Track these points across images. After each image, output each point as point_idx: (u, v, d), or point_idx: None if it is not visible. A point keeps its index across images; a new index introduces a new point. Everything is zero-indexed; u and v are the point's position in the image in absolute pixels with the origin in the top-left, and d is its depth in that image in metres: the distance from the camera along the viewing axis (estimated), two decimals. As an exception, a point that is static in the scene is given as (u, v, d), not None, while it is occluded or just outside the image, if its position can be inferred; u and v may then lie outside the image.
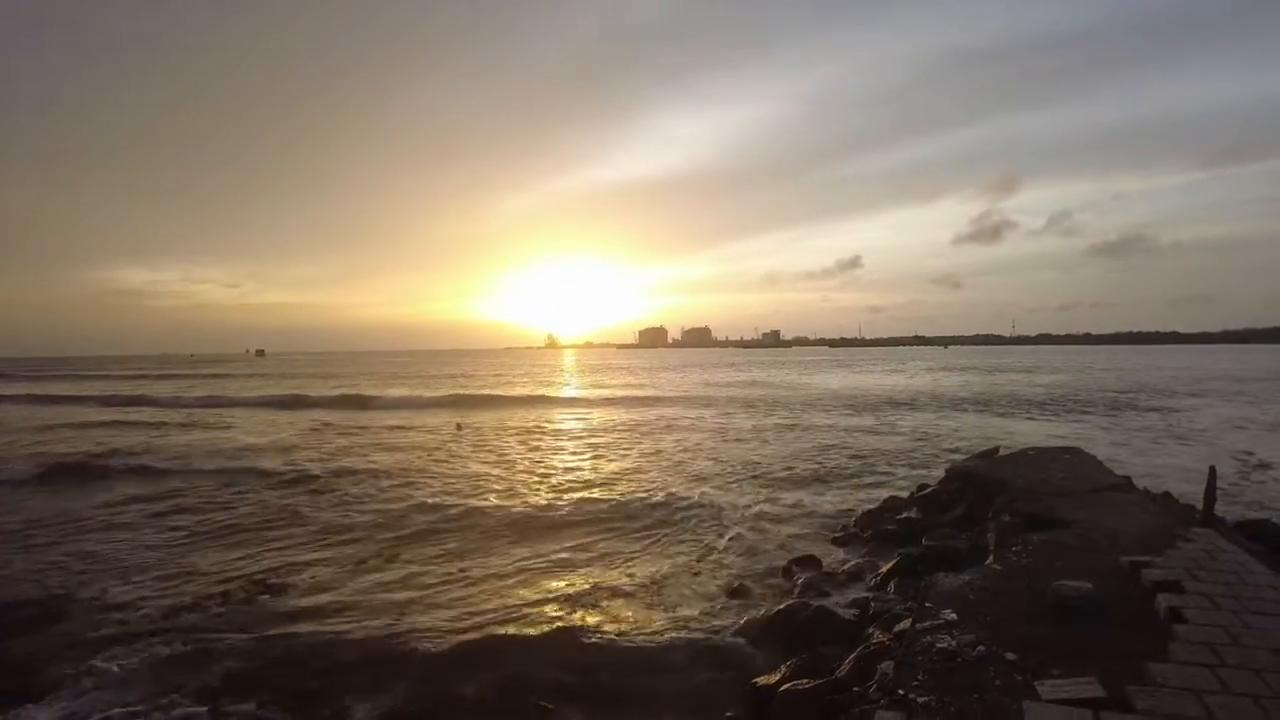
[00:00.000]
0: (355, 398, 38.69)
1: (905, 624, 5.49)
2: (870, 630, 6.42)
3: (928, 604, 5.43)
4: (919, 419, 27.33)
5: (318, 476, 16.20)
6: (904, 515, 11.42)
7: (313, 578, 9.29)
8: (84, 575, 9.46)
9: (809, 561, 9.58)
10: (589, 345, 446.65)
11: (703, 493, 14.05)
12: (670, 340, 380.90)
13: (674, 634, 7.32)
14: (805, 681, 5.43)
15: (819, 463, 17.69)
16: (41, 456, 19.02)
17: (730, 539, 10.89)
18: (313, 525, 12.05)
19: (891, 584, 8.12)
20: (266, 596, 8.62)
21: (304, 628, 7.57)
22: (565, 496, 13.78)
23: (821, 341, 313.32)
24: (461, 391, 41.78)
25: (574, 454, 19.17)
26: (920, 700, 3.88)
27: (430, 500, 13.45)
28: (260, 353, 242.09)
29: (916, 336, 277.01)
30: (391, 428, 26.05)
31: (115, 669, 6.55)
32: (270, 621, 7.75)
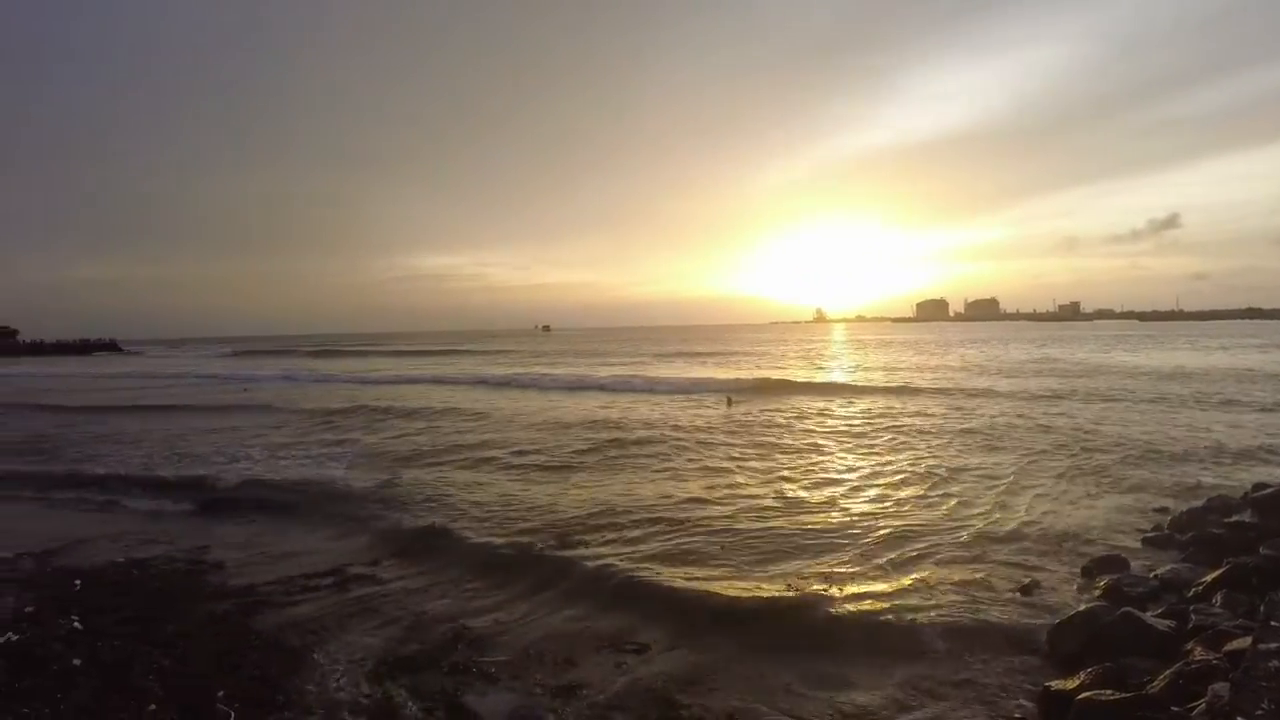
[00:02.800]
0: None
1: (1241, 642, 4.80)
2: (1190, 646, 5.70)
3: (1273, 622, 4.68)
4: (1255, 404, 22.73)
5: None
6: (1235, 519, 9.73)
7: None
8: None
9: (1114, 562, 8.61)
10: (860, 319, 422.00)
11: (993, 478, 13.16)
12: (952, 314, 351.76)
13: (960, 625, 7.08)
14: (1109, 693, 4.98)
15: (1126, 450, 15.53)
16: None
17: (1023, 531, 10.09)
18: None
19: (1218, 596, 7.03)
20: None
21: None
22: (849, 486, 13.45)
23: (1129, 315, 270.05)
24: (748, 374, 40.66)
25: (856, 438, 18.36)
26: (1264, 730, 3.42)
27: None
28: (546, 328, 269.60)
29: (1251, 309, 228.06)
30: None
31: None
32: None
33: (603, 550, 9.75)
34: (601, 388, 34.41)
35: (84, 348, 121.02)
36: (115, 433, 22.13)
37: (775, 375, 38.80)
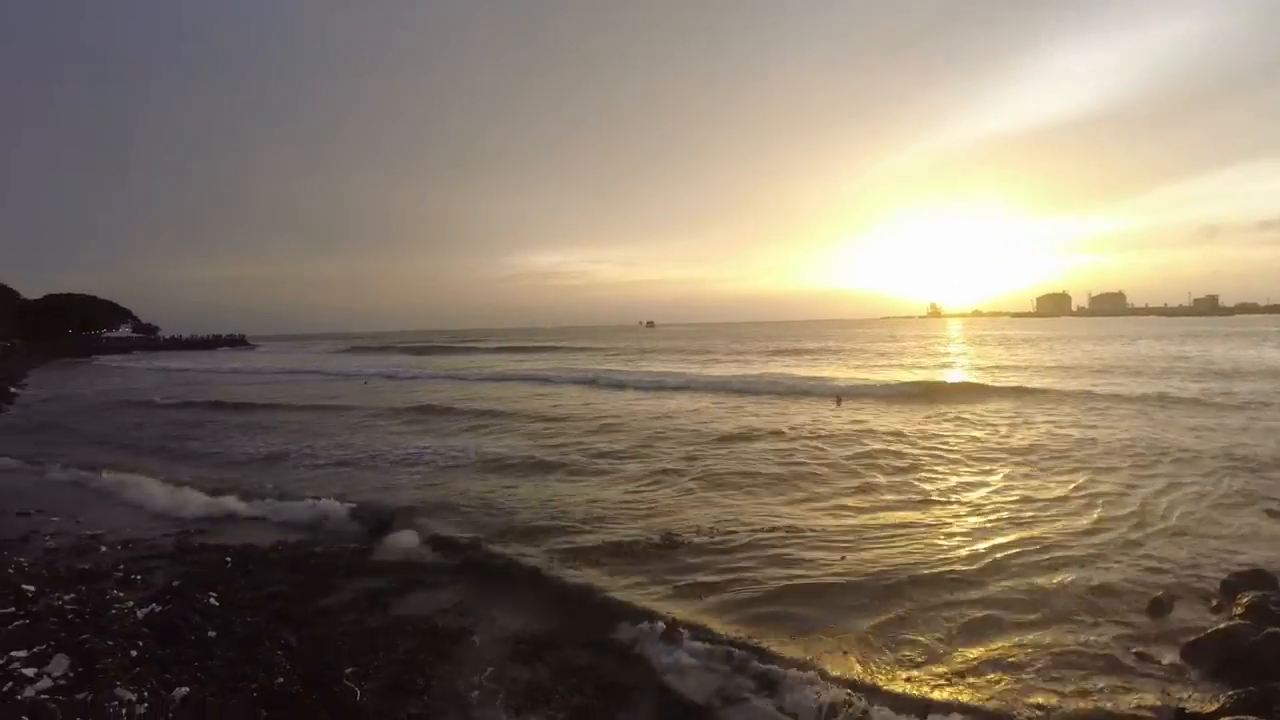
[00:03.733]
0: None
1: None
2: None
3: None
4: None
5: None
6: None
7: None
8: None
9: (1258, 577, 7.49)
10: (977, 314, 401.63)
11: (1131, 486, 11.81)
12: (1075, 308, 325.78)
13: (1084, 643, 6.42)
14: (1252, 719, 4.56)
15: (1270, 453, 13.73)
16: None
17: (1154, 540, 9.01)
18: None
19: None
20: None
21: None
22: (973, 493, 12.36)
23: (1275, 309, 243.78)
24: (871, 374, 37.26)
25: (983, 447, 16.02)
26: None
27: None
28: (650, 324, 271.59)
29: None
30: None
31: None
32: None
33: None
34: (722, 388, 32.19)
35: (215, 343, 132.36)
36: (268, 424, 23.39)
37: (899, 375, 35.61)
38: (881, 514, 10.64)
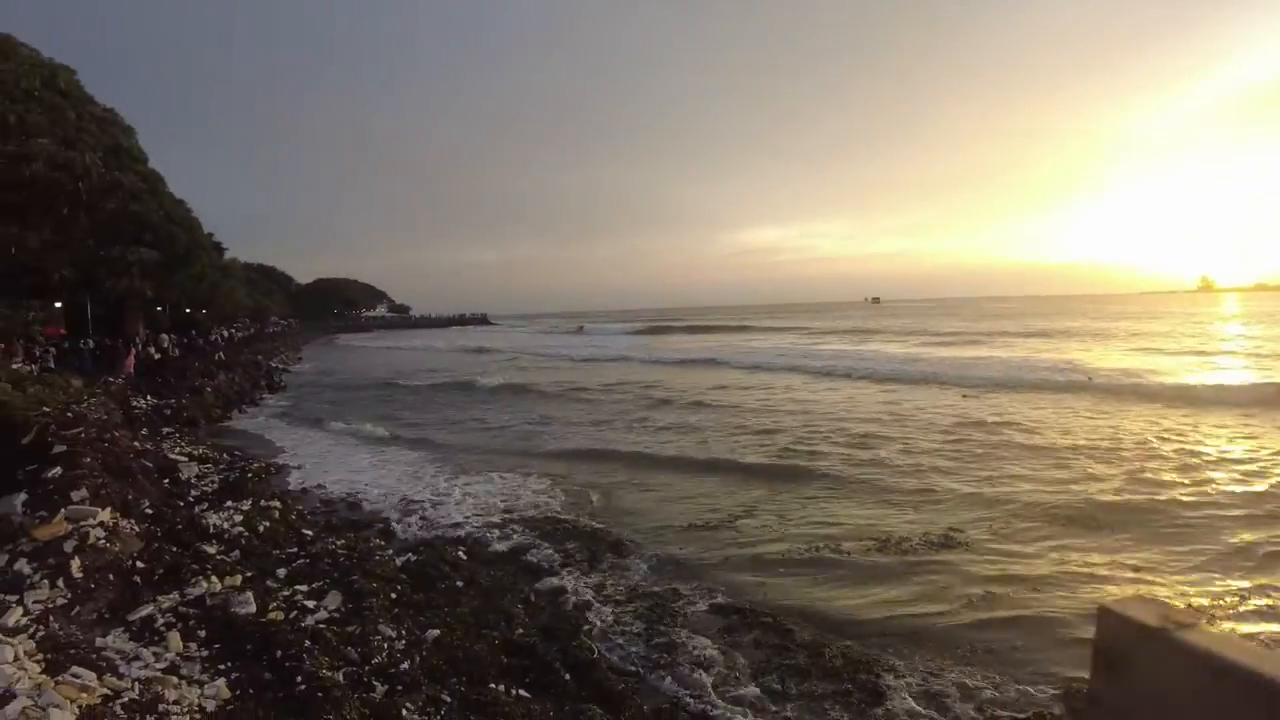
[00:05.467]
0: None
1: None
2: None
3: None
4: None
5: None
6: None
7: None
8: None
9: None
10: (1261, 289, 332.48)
11: None
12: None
13: None
14: None
15: None
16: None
17: None
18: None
19: None
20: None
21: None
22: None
23: None
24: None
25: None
26: None
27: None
28: (876, 300, 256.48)
29: None
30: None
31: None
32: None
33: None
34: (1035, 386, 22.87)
35: (461, 321, 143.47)
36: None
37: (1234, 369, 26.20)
38: None
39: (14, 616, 4.82)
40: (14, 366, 14.07)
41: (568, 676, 5.30)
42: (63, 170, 10.06)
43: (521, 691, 5.09)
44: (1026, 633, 6.03)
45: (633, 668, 5.58)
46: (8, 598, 5.11)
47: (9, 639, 4.45)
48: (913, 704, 4.98)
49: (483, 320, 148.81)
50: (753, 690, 5.22)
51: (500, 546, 8.55)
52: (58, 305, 20.46)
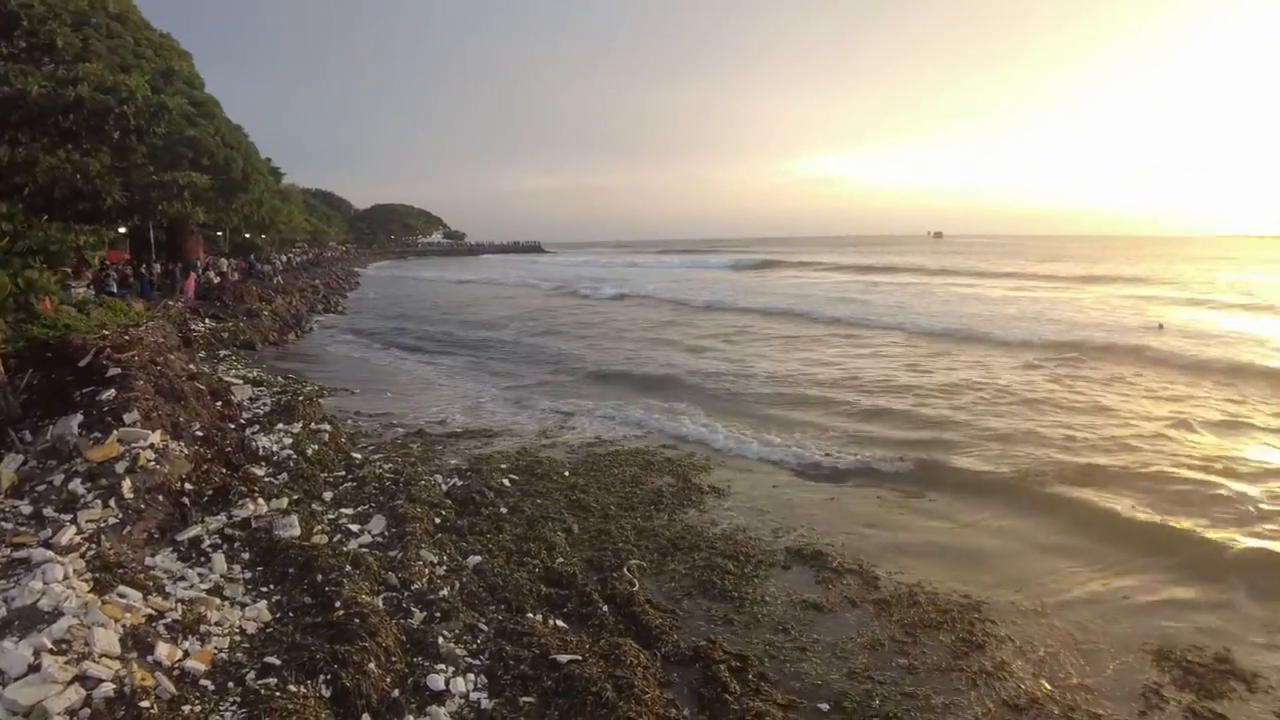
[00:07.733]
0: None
1: None
2: None
3: None
4: None
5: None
6: None
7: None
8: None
9: None
10: None
11: None
12: None
13: None
14: None
15: None
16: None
17: None
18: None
19: None
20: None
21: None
22: None
23: None
24: None
25: None
26: None
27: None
28: (938, 235, 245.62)
29: None
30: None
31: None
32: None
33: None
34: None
35: (515, 249, 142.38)
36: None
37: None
38: None
39: (67, 535, 4.93)
40: (80, 290, 14.47)
41: (606, 608, 5.21)
42: (111, 94, 9.91)
43: (559, 622, 5.03)
44: None
45: (671, 605, 5.46)
46: (62, 516, 5.24)
47: (60, 557, 4.54)
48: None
49: (536, 249, 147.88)
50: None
51: (550, 482, 8.16)
52: (122, 230, 20.85)
